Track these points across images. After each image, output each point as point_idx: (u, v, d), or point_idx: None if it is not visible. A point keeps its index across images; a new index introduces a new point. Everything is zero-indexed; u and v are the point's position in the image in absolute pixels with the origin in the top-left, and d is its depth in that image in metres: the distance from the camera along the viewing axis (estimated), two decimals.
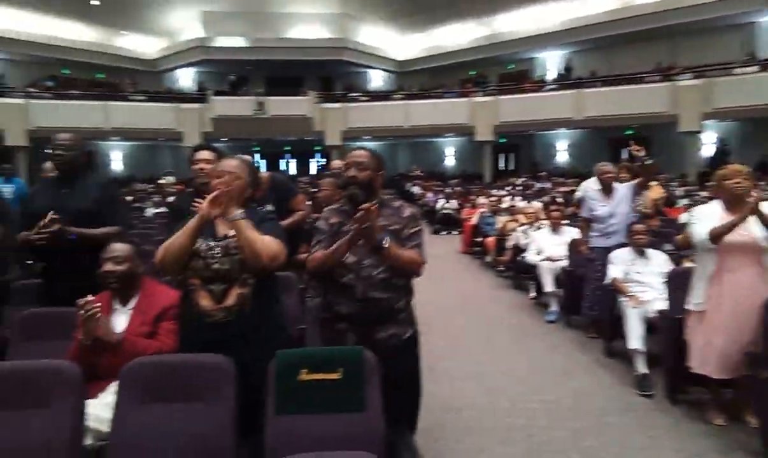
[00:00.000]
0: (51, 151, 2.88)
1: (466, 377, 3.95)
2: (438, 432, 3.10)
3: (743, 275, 2.91)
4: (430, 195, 14.99)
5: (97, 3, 18.27)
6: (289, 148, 23.13)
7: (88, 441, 1.92)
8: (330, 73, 22.56)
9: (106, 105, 18.08)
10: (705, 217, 3.03)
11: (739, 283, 2.91)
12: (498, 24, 20.40)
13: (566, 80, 18.68)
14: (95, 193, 2.90)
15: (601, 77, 17.81)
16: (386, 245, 2.08)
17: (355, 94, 20.86)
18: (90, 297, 2.11)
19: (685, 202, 8.36)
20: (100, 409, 2.02)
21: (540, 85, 19.20)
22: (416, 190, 15.64)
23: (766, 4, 15.10)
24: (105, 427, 1.92)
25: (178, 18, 20.46)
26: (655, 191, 6.61)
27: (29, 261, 3.02)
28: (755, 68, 14.89)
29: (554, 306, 5.41)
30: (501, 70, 21.41)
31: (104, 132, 18.14)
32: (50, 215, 2.63)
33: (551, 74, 20.15)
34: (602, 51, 18.95)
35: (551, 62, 20.58)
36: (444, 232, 12.53)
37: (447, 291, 6.77)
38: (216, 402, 1.89)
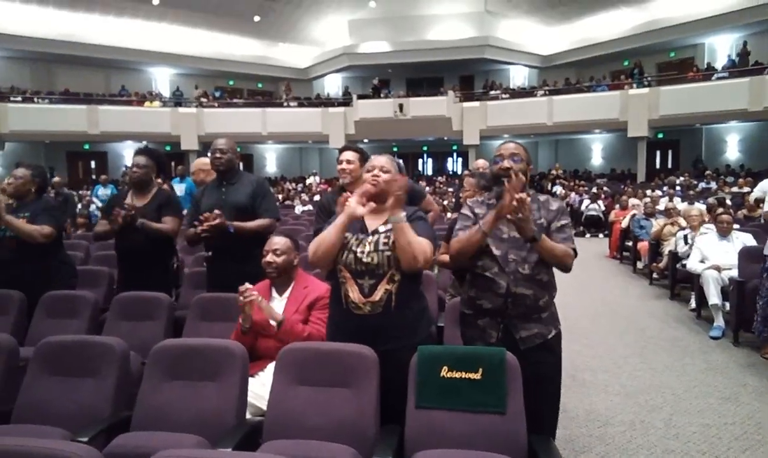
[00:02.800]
0: (211, 155, 3.26)
1: (615, 390, 3.68)
2: (582, 444, 2.94)
3: None
4: (573, 195, 14.19)
5: (258, 19, 20.13)
6: (426, 147, 23.41)
7: (248, 415, 2.13)
8: (470, 72, 22.41)
9: (263, 111, 19.88)
10: None
11: None
12: (656, 9, 18.56)
13: (742, 66, 16.40)
14: (249, 189, 3.22)
15: None
16: (540, 238, 2.04)
17: (495, 92, 20.46)
18: (248, 285, 2.34)
19: None
20: (258, 387, 2.24)
21: (708, 73, 17.11)
22: (558, 190, 14.91)
23: None
24: (262, 404, 2.11)
25: (327, 28, 21.78)
26: None
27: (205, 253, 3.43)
28: None
29: (719, 321, 4.82)
30: (660, 59, 19.45)
31: (261, 136, 19.95)
32: (215, 212, 2.97)
33: (722, 61, 17.83)
34: None
35: (722, 47, 18.19)
36: (589, 235, 11.80)
37: (592, 298, 6.37)
38: (360, 389, 1.98)
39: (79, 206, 10.64)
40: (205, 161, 4.25)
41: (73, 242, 5.76)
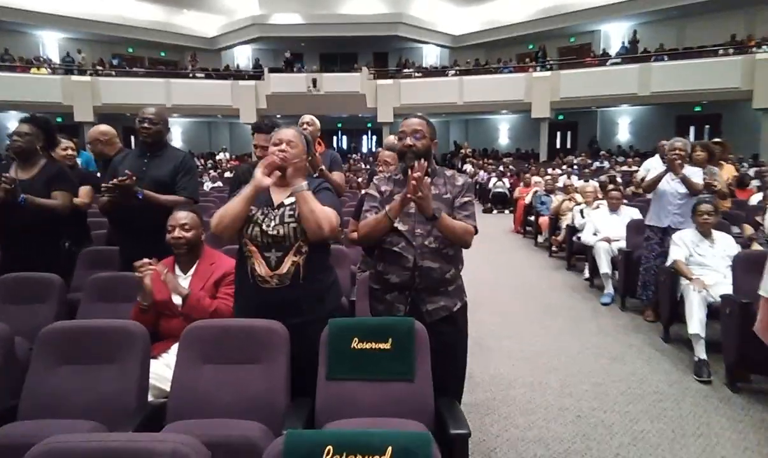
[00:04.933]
0: (138, 124, 3.03)
1: (516, 355, 3.92)
2: (487, 407, 3.10)
3: None
4: (482, 173, 14.75)
5: None
6: (340, 124, 23.27)
7: (150, 398, 2.04)
8: (384, 49, 22.46)
9: (168, 82, 18.74)
10: None
11: None
12: None
13: (632, 54, 17.74)
14: (172, 164, 3.03)
15: (669, 50, 16.86)
16: (439, 216, 2.08)
17: (408, 71, 20.67)
18: (146, 260, 2.23)
19: (756, 183, 7.86)
20: (162, 368, 2.14)
21: (603, 59, 18.34)
22: (468, 168, 15.42)
23: None
24: (166, 385, 2.03)
25: None
26: (727, 170, 6.24)
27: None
28: None
29: (609, 289, 5.26)
30: (561, 43, 20.59)
31: (165, 109, 18.79)
32: (126, 172, 2.77)
33: (615, 47, 19.18)
34: (672, 22, 17.89)
35: (616, 35, 19.57)
36: (496, 211, 12.35)
37: (498, 270, 6.70)
38: (269, 364, 1.96)
39: None
40: (103, 129, 3.91)
41: None
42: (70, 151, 3.95)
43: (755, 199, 6.24)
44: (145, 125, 3.02)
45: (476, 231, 2.22)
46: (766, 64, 14.29)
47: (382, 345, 2.02)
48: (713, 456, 2.60)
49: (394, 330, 2.04)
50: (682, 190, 4.31)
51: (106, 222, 3.81)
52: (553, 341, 4.23)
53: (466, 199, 2.25)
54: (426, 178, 2.01)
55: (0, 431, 1.72)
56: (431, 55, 23.28)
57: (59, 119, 16.98)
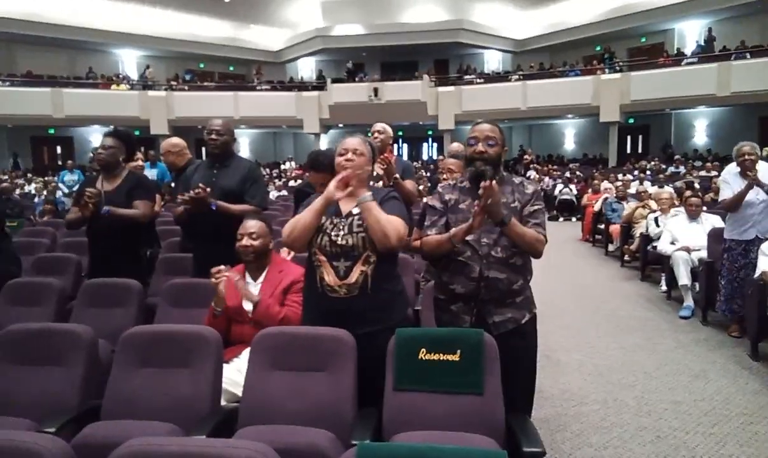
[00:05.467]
0: (207, 136, 3.15)
1: (588, 370, 3.75)
2: (557, 423, 2.98)
3: None
4: (547, 179, 14.35)
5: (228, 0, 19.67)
6: (401, 133, 23.34)
7: (222, 401, 2.09)
8: (445, 56, 22.36)
9: (236, 95, 19.50)
10: None
11: None
12: None
13: (709, 52, 16.75)
14: (241, 174, 3.13)
15: (750, 48, 15.78)
16: (509, 221, 2.02)
17: (469, 77, 20.48)
18: (221, 267, 2.29)
19: None
20: (234, 373, 2.19)
21: (678, 58, 17.40)
22: (532, 174, 15.05)
23: None
24: (237, 390, 2.07)
25: (299, 9, 21.43)
26: None
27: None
28: None
29: (689, 301, 4.95)
30: (631, 44, 19.70)
31: (234, 121, 19.59)
32: (200, 185, 2.89)
33: (690, 47, 18.16)
34: (753, 18, 16.72)
35: (690, 33, 18.51)
36: (562, 219, 11.97)
37: (565, 280, 6.47)
38: (337, 373, 1.96)
39: (45, 193, 10.32)
40: (174, 142, 4.12)
41: (38, 229, 5.58)
42: (140, 162, 4.18)
43: None
44: (213, 136, 3.12)
45: (546, 241, 2.14)
46: None
47: (450, 357, 1.97)
48: None
49: (463, 341, 1.98)
50: (763, 196, 3.99)
51: (179, 229, 3.98)
52: (628, 356, 4.02)
53: (536, 207, 2.18)
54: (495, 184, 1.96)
55: (86, 430, 1.81)
56: (493, 61, 22.95)
57: (137, 132, 17.98)
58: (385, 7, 21.10)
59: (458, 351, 1.97)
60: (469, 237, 2.10)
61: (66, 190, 9.32)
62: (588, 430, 2.91)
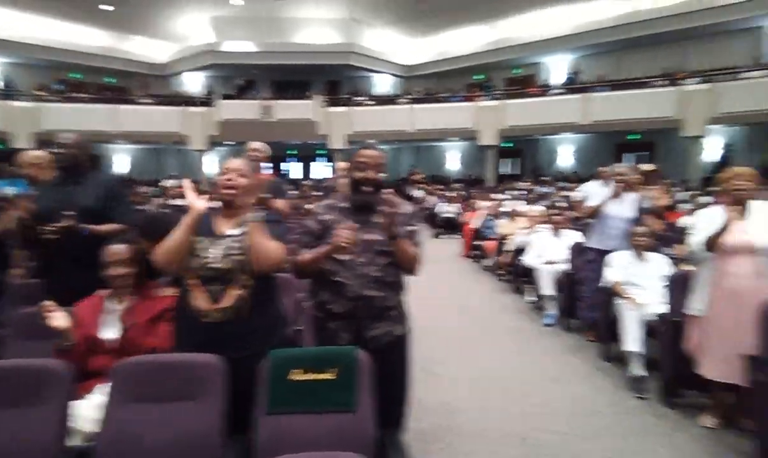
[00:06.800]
0: (53, 150, 2.94)
1: (462, 380, 3.95)
2: (431, 434, 3.10)
3: (743, 278, 2.91)
4: (431, 198, 14.97)
5: (110, 9, 18.42)
6: (293, 151, 23.19)
7: (77, 441, 1.92)
8: (337, 77, 22.65)
9: (114, 108, 18.24)
10: (707, 223, 3.03)
11: (739, 287, 2.91)
12: (505, 28, 20.42)
13: (573, 84, 18.63)
14: (100, 191, 2.95)
15: (608, 81, 17.76)
16: (400, 236, 2.15)
17: (360, 98, 20.92)
18: (47, 302, 2.10)
19: (687, 206, 8.31)
20: (90, 409, 2.03)
21: (545, 89, 19.17)
22: (418, 193, 15.64)
23: None
24: (94, 427, 1.92)
25: (188, 23, 20.61)
26: (660, 194, 6.56)
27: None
28: (762, 72, 14.77)
29: (552, 310, 5.40)
30: (507, 74, 21.37)
31: (111, 135, 18.28)
32: (65, 213, 2.68)
33: (558, 78, 20.10)
34: (610, 56, 18.90)
35: (558, 66, 20.52)
36: (444, 236, 12.52)
37: (445, 294, 6.76)
38: (206, 400, 1.91)
39: None
40: (36, 154, 3.75)
41: None
42: None
43: (684, 221, 6.55)
44: (57, 150, 2.95)
45: (421, 261, 2.27)
46: (694, 96, 15.22)
47: (325, 376, 2.00)
48: None
49: (338, 359, 2.02)
50: (627, 214, 4.46)
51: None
52: (500, 364, 4.30)
53: (413, 228, 2.29)
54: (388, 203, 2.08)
55: None
56: (384, 84, 23.68)
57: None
58: (278, 26, 20.98)
59: (333, 370, 2.01)
60: (344, 257, 2.15)
61: None
62: (460, 439, 3.06)
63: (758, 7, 15.10)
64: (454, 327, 5.39)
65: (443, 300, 6.42)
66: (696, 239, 3.06)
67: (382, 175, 2.24)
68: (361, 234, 2.14)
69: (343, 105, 20.23)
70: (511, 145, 20.10)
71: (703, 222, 3.09)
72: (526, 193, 13.12)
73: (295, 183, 14.49)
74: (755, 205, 2.97)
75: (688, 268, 3.82)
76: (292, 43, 20.97)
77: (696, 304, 3.10)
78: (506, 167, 21.63)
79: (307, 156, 23.28)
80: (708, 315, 3.01)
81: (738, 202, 2.95)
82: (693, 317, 3.12)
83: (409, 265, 2.25)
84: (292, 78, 22.05)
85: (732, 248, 2.92)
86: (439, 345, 4.69)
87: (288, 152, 23.07)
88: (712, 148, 16.02)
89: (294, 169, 23.36)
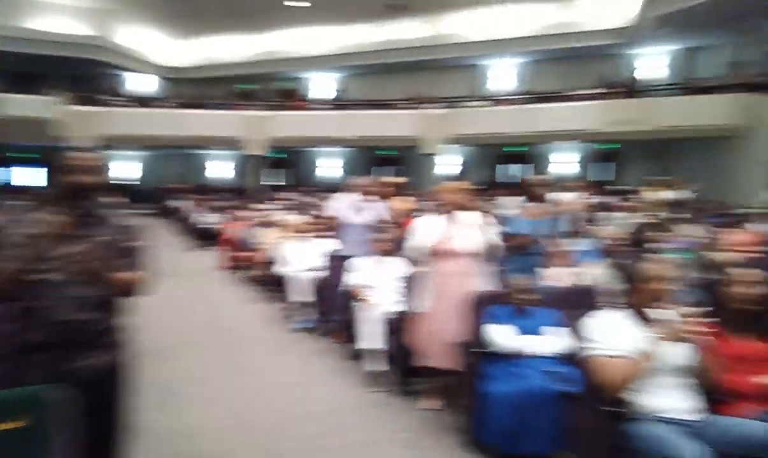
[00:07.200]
0: None
1: (206, 401, 3.77)
2: None
3: (451, 277, 3.40)
4: (192, 208, 14.19)
5: None
6: (38, 155, 19.54)
7: None
8: (83, 73, 19.92)
9: None
10: (424, 229, 3.46)
11: (448, 285, 3.39)
12: (272, 41, 20.74)
13: (340, 101, 19.91)
14: None
15: (367, 101, 19.27)
16: (104, 274, 1.93)
17: (116, 98, 18.79)
18: None
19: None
20: None
21: (306, 103, 20.07)
22: (178, 203, 14.71)
23: (488, 50, 18.58)
24: None
25: None
26: (399, 202, 7.24)
27: None
28: (484, 102, 17.81)
29: (303, 316, 5.56)
30: (274, 86, 21.64)
31: None
32: None
33: (320, 94, 21.30)
34: (374, 77, 20.83)
35: (322, 83, 21.76)
36: (204, 248, 11.97)
37: (199, 310, 6.49)
38: None
39: None
40: None
41: None
42: None
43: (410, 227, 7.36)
44: None
45: (143, 280, 2.09)
46: (429, 118, 17.51)
47: (9, 426, 1.71)
48: (387, 454, 3.02)
49: (26, 402, 1.74)
50: (369, 222, 4.90)
51: None
52: (245, 377, 4.24)
53: (134, 244, 2.11)
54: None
55: None
56: (146, 85, 21.82)
57: None
58: (9, 8, 17.66)
59: (20, 416, 1.72)
60: (49, 276, 1.89)
61: None
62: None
63: (476, 49, 18.58)
64: (203, 343, 5.15)
65: (196, 317, 6.14)
66: (410, 243, 3.50)
67: (98, 180, 2.02)
68: (68, 248, 1.91)
69: (98, 104, 17.89)
70: (285, 155, 20.36)
71: (419, 228, 3.55)
72: (288, 202, 13.32)
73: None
74: (461, 215, 3.50)
75: (420, 269, 4.35)
76: (25, 29, 17.89)
77: (419, 302, 3.53)
78: (279, 177, 21.71)
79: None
80: (428, 311, 3.45)
81: (446, 212, 3.46)
82: (418, 313, 3.54)
83: (122, 290, 2.05)
84: (27, 69, 18.78)
85: (442, 251, 3.41)
86: (185, 365, 4.44)
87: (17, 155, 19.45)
88: (449, 164, 18.58)
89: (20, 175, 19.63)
